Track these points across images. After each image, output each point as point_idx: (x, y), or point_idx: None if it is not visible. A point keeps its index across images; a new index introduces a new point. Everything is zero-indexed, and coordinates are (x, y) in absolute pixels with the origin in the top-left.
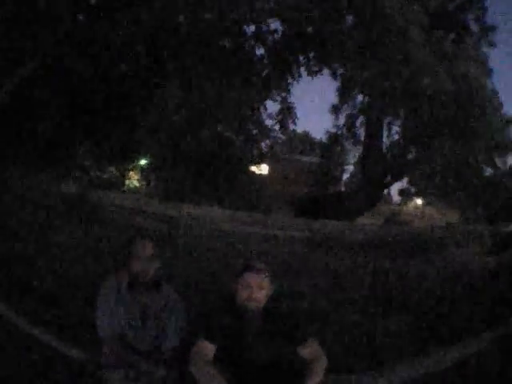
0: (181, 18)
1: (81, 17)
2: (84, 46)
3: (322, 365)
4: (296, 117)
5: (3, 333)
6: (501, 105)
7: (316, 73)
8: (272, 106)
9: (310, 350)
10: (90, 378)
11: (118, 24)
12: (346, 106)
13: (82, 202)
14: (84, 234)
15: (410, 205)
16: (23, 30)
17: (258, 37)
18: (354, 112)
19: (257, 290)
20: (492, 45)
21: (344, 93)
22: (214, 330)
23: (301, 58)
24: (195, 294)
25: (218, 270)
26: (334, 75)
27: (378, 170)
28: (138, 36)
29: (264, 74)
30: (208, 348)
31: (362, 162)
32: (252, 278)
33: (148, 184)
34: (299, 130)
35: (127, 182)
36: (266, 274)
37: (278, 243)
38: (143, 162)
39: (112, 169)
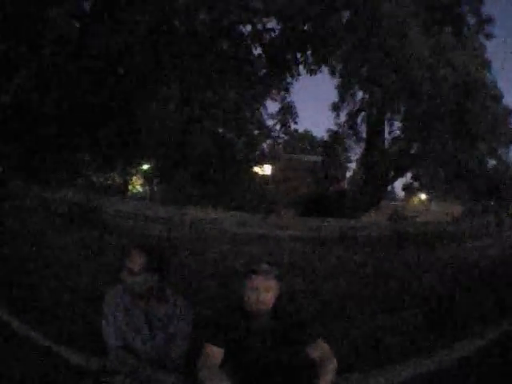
0: (176, 20)
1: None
2: (80, 50)
3: (332, 366)
4: (296, 115)
5: (5, 339)
6: (501, 96)
7: (315, 71)
8: (272, 106)
9: (318, 350)
10: None
11: (116, 27)
12: (346, 103)
13: (85, 208)
14: (88, 241)
15: (415, 200)
16: (19, 34)
17: (255, 36)
18: (355, 109)
19: (264, 292)
20: (489, 36)
21: (344, 90)
22: (221, 335)
23: (299, 56)
24: (202, 298)
25: (225, 273)
26: (333, 72)
27: (381, 166)
28: (136, 38)
29: (262, 74)
30: (216, 353)
31: (364, 160)
32: (258, 281)
33: (151, 189)
34: (300, 129)
35: (130, 187)
36: (273, 276)
37: (283, 243)
38: (146, 166)
39: (115, 175)
